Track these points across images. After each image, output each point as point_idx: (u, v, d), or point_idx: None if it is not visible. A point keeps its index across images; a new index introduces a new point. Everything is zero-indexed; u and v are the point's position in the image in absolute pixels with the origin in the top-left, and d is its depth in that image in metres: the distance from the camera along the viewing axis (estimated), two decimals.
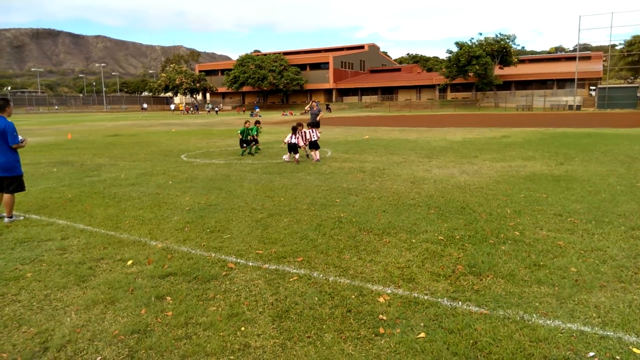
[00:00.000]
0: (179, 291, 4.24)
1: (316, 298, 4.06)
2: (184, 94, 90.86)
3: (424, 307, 3.86)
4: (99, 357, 3.20)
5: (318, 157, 12.64)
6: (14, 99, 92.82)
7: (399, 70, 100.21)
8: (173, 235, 6.00)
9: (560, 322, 3.56)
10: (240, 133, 14.40)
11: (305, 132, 12.62)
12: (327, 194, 8.45)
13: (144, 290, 4.26)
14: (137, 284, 4.43)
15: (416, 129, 27.36)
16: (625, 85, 67.54)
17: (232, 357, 3.17)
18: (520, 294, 4.07)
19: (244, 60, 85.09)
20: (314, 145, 12.78)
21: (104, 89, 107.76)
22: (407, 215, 6.85)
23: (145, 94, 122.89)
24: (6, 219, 6.73)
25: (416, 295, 4.09)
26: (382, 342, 3.33)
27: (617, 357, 3.09)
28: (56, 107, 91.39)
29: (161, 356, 3.19)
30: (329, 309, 3.85)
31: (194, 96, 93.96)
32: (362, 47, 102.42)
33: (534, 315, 3.67)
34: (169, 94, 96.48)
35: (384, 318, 3.67)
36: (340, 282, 4.41)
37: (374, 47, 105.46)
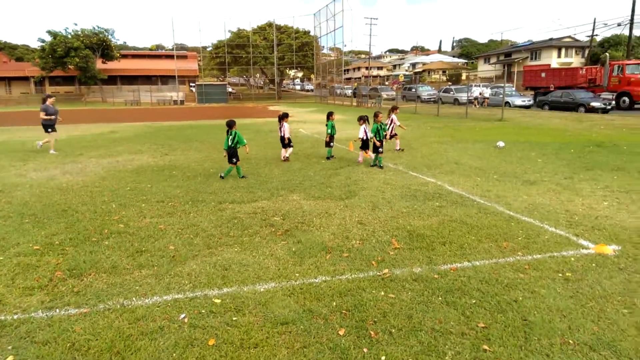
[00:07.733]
0: None
1: None
2: None
3: (14, 327, 3.42)
4: None
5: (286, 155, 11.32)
6: None
7: None
8: None
9: (157, 298, 3.90)
10: None
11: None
12: None
13: None
14: None
15: (8, 128, 23.25)
16: (217, 82, 78.55)
17: None
18: (121, 283, 4.19)
19: None
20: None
21: None
22: None
23: None
24: None
25: (3, 318, 3.57)
26: None
27: (203, 311, 3.67)
28: None
29: None
30: None
31: None
32: None
33: (134, 299, 3.87)
34: None
35: None
36: None
37: None
